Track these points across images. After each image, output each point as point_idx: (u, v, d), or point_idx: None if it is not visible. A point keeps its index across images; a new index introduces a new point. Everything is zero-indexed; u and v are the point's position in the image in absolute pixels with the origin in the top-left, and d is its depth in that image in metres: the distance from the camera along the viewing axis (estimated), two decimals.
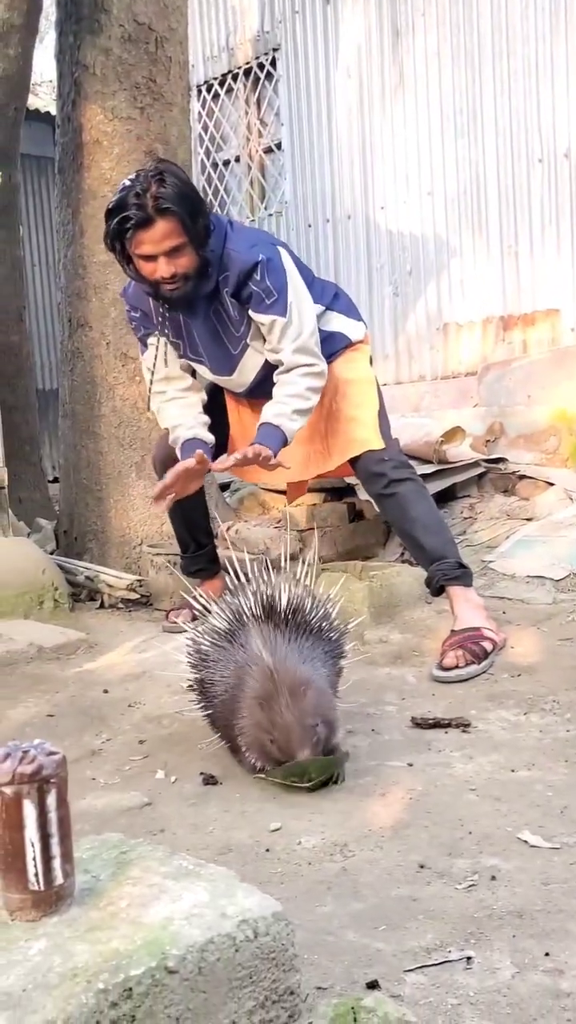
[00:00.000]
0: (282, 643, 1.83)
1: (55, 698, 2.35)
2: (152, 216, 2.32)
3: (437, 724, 2.08)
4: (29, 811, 0.90)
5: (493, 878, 1.39)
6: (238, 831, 1.60)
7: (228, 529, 3.76)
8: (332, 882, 1.41)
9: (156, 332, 2.65)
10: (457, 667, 2.36)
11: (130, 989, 0.81)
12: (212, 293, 2.51)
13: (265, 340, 2.55)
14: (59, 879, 0.91)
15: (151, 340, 2.67)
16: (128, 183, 2.37)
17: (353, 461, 2.65)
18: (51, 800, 0.90)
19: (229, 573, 2.10)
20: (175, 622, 2.87)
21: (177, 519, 2.93)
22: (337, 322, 2.74)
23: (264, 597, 1.88)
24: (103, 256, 3.59)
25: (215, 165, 5.89)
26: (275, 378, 2.54)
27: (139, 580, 3.21)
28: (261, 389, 2.65)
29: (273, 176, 5.66)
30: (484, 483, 4.10)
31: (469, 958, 1.19)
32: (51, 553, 3.71)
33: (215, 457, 2.69)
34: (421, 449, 4.04)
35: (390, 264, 5.05)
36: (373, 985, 1.13)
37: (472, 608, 2.52)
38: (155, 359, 2.65)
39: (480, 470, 4.08)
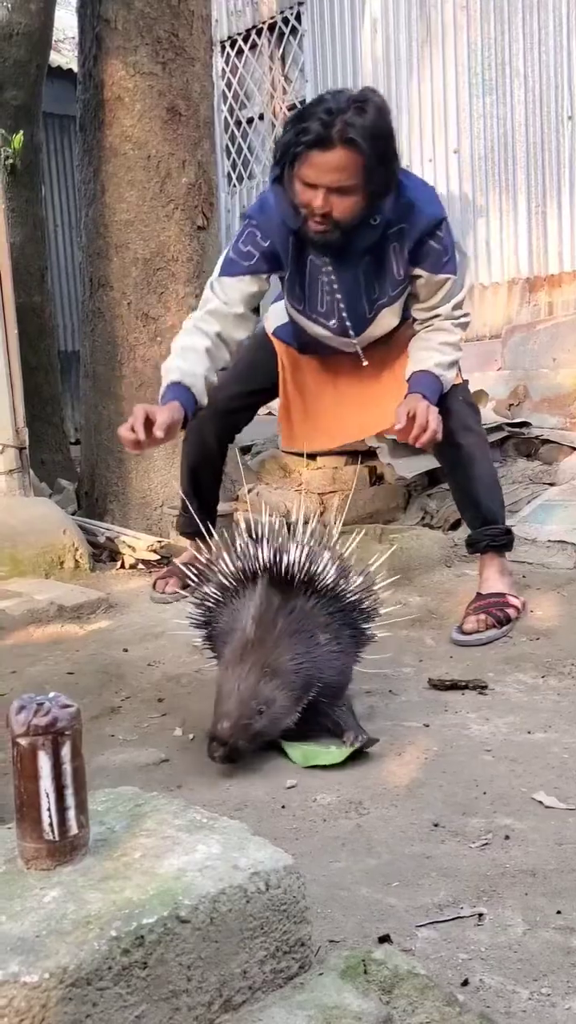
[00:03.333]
0: (278, 607, 1.70)
1: (75, 656, 2.37)
2: (334, 141, 2.03)
3: (454, 686, 2.08)
4: (44, 762, 0.90)
5: (507, 837, 1.40)
6: (254, 788, 1.61)
7: (250, 492, 3.76)
8: (346, 839, 1.42)
9: (264, 275, 2.34)
10: (478, 631, 2.35)
11: (142, 937, 0.82)
12: (372, 246, 2.25)
13: (418, 299, 2.38)
14: (73, 829, 0.92)
15: (235, 281, 2.33)
16: (327, 96, 2.09)
17: None
18: (65, 752, 0.91)
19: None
20: (164, 592, 2.80)
21: (189, 474, 2.76)
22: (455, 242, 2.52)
23: (272, 553, 1.76)
24: (125, 215, 3.58)
25: (238, 123, 5.82)
26: (420, 325, 2.41)
27: (160, 541, 3.22)
28: (370, 346, 2.49)
29: None
30: (507, 447, 4.08)
31: (481, 915, 1.20)
32: (72, 514, 3.73)
33: (229, 419, 2.63)
34: None
35: None
36: (385, 939, 1.14)
37: (500, 574, 2.50)
38: (225, 291, 2.33)
39: (503, 434, 4.05)
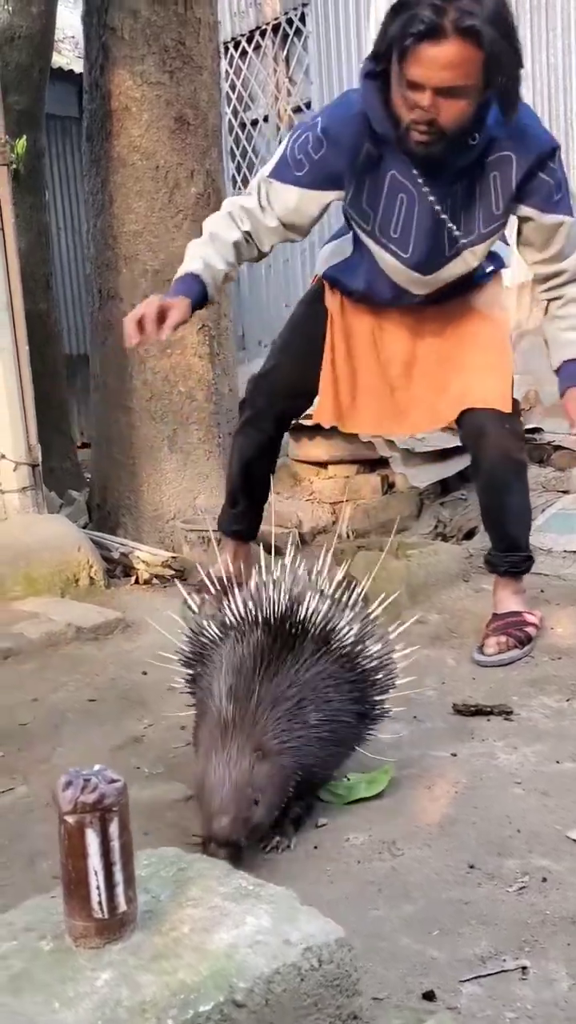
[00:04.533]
0: (269, 673, 1.47)
1: (95, 681, 2.36)
2: (447, 31, 1.71)
3: (479, 711, 2.07)
4: (92, 839, 0.89)
5: (544, 880, 1.39)
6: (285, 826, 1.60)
7: None
8: (382, 883, 1.41)
9: (307, 187, 2.05)
10: (499, 653, 2.33)
11: None
12: (466, 168, 1.97)
13: (533, 247, 2.11)
14: (122, 906, 0.91)
15: (286, 189, 2.07)
16: None
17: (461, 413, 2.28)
18: (113, 828, 0.90)
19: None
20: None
21: (240, 470, 2.57)
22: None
23: (288, 601, 1.55)
24: (133, 226, 3.55)
25: (243, 125, 5.80)
26: (554, 292, 2.16)
27: (174, 556, 3.21)
28: (438, 298, 2.23)
29: None
30: None
31: (524, 967, 1.18)
32: (84, 526, 3.72)
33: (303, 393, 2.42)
34: None
35: None
36: (429, 996, 1.13)
37: (515, 593, 2.47)
38: (268, 194, 2.10)
39: None
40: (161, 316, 2.01)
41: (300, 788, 1.51)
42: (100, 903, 0.90)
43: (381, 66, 1.86)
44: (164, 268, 3.56)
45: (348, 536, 3.76)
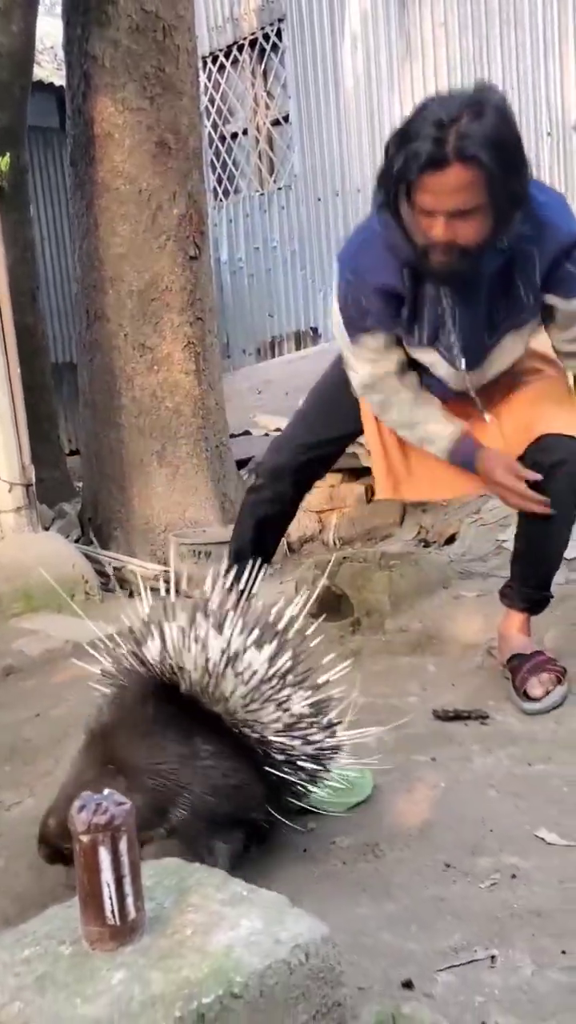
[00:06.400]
0: (151, 698, 1.47)
1: (93, 695, 2.47)
2: (449, 158, 1.74)
3: (457, 716, 2.19)
4: (104, 856, 1.01)
5: (513, 876, 1.52)
6: (276, 831, 1.72)
7: None
8: (366, 883, 1.53)
9: (382, 328, 2.07)
10: (548, 692, 2.18)
11: (203, 1015, 0.93)
12: (498, 269, 1.98)
13: (559, 329, 2.11)
14: (132, 914, 1.03)
15: (368, 338, 2.10)
16: (433, 105, 1.78)
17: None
18: (123, 846, 1.02)
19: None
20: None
21: (253, 527, 2.49)
22: None
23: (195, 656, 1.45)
24: (119, 249, 3.67)
25: (222, 138, 5.91)
26: (569, 360, 2.17)
27: (166, 570, 3.33)
28: (491, 384, 2.21)
29: (281, 149, 5.68)
30: None
31: (493, 957, 1.31)
32: (76, 540, 3.83)
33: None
34: None
35: None
36: (408, 984, 1.26)
37: (526, 631, 2.34)
38: (374, 352, 2.11)
39: None
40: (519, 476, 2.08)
41: (218, 819, 1.48)
42: (113, 911, 1.02)
43: (388, 199, 1.89)
44: (148, 288, 3.69)
45: (335, 544, 3.89)
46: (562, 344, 2.15)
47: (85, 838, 1.01)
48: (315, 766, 1.55)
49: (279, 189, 5.57)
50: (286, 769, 1.51)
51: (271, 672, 1.49)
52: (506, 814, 1.72)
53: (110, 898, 1.02)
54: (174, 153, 3.65)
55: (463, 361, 2.09)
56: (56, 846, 1.42)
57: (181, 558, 3.44)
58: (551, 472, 2.10)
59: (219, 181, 5.86)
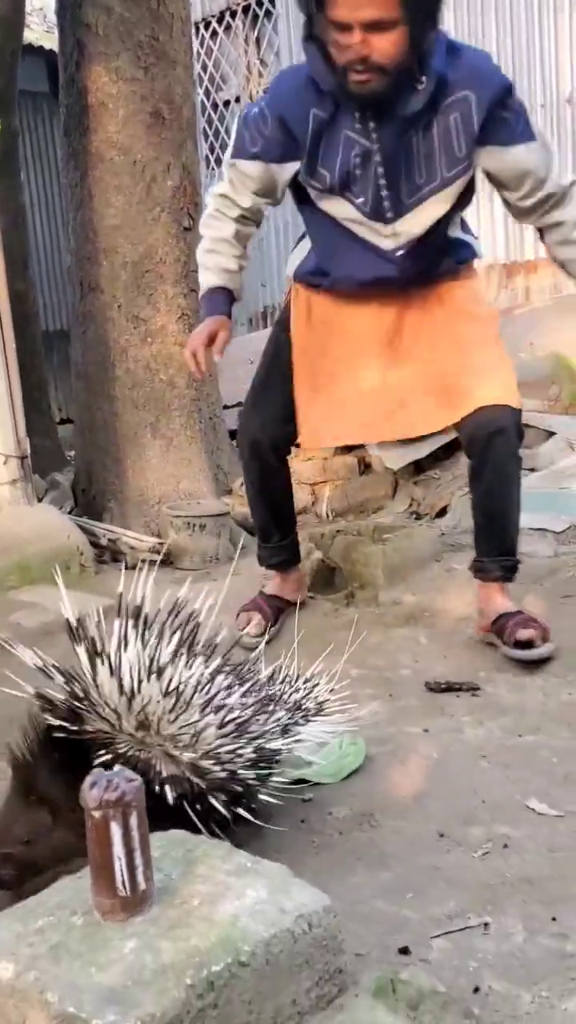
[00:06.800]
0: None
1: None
2: None
3: (449, 688, 2.24)
4: (115, 831, 1.05)
5: (505, 846, 1.57)
6: (273, 803, 1.76)
7: (241, 485, 3.89)
8: (362, 852, 1.58)
9: (264, 158, 2.12)
10: (540, 643, 2.27)
11: (212, 982, 0.98)
12: (419, 114, 1.97)
13: (509, 188, 2.10)
14: (142, 885, 1.07)
15: (246, 164, 2.16)
16: None
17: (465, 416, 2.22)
18: (133, 820, 1.06)
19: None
20: (248, 632, 2.47)
21: (261, 503, 2.56)
22: (462, 227, 2.26)
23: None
24: (112, 220, 3.65)
25: (215, 106, 5.85)
26: (552, 219, 2.14)
27: (160, 542, 3.36)
28: (419, 263, 2.18)
29: None
30: None
31: (486, 924, 1.37)
32: (70, 511, 3.85)
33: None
34: None
35: None
36: (405, 951, 1.31)
37: (505, 595, 2.39)
38: (238, 178, 2.20)
39: None
40: (210, 341, 2.24)
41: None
42: (123, 883, 1.06)
43: (309, 21, 1.91)
44: (143, 260, 3.68)
45: (328, 516, 3.93)
46: (518, 203, 2.14)
47: (97, 814, 1.05)
48: (258, 771, 1.50)
49: None
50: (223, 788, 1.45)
51: (175, 701, 1.42)
52: (497, 784, 1.77)
53: (121, 871, 1.06)
54: (168, 123, 3.62)
55: (370, 209, 2.08)
56: None
57: (176, 531, 3.46)
58: (490, 441, 2.18)
59: (211, 149, 5.81)
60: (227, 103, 5.84)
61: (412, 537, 3.08)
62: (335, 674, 1.81)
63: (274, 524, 2.58)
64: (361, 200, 2.10)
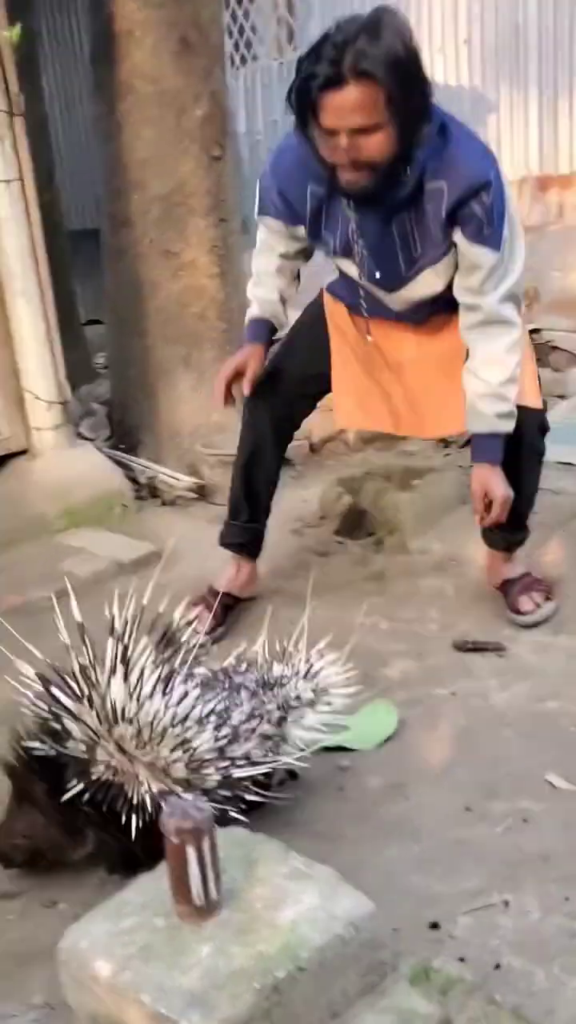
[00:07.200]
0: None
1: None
2: (345, 76, 1.82)
3: (475, 648, 2.39)
4: (191, 853, 1.23)
5: (525, 820, 1.75)
6: (314, 769, 1.92)
7: None
8: (394, 824, 1.77)
9: (283, 221, 2.24)
10: (536, 608, 2.44)
11: (276, 987, 1.16)
12: (405, 201, 2.04)
13: (459, 272, 2.12)
14: (214, 895, 1.26)
15: (269, 220, 2.27)
16: (333, 30, 1.85)
17: None
18: (205, 844, 1.24)
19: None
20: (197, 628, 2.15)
21: (240, 478, 2.56)
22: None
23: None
24: (142, 153, 3.62)
25: (239, 0, 5.62)
26: (468, 334, 2.17)
27: (196, 482, 3.48)
28: (418, 314, 2.28)
29: (302, 14, 5.40)
30: None
31: (507, 902, 1.55)
32: (106, 440, 3.96)
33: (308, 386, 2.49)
34: None
35: None
36: (435, 925, 1.50)
37: (512, 561, 2.52)
38: (265, 227, 2.31)
39: None
40: (240, 372, 2.34)
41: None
42: (198, 895, 1.24)
43: (300, 121, 1.97)
44: (172, 193, 3.66)
45: (356, 444, 4.01)
46: (459, 292, 2.15)
47: (175, 839, 1.23)
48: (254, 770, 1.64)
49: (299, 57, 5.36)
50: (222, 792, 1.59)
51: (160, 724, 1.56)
52: (519, 757, 1.94)
53: (196, 885, 1.24)
54: (196, 50, 3.53)
55: (378, 276, 2.19)
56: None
57: (210, 468, 3.58)
58: (511, 441, 2.23)
59: (235, 47, 5.62)
60: None
61: (441, 483, 3.18)
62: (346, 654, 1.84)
63: (246, 503, 2.55)
64: (358, 272, 2.22)
